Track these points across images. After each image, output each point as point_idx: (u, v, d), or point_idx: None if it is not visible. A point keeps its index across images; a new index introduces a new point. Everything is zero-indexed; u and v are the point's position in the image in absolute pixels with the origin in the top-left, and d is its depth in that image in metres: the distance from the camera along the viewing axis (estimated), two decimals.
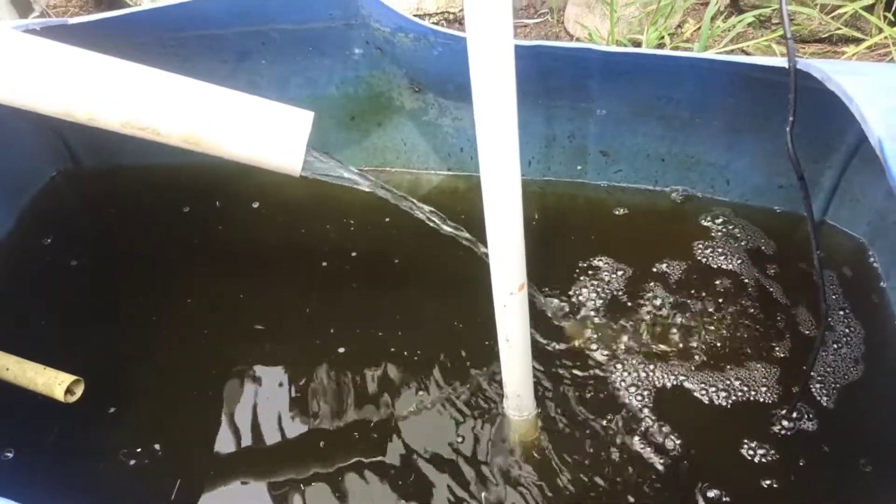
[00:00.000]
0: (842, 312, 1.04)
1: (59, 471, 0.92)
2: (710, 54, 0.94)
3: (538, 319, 1.06)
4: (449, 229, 0.94)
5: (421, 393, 1.00)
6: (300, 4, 1.05)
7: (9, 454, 0.92)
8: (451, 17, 1.84)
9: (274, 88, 1.25)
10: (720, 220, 1.20)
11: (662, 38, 1.51)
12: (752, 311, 1.06)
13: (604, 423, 0.94)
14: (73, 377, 0.90)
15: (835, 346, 1.00)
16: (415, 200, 0.95)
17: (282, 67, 1.22)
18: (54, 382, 0.89)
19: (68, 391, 0.89)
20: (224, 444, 0.95)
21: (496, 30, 0.57)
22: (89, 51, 0.76)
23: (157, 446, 0.93)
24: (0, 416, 0.95)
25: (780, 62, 0.84)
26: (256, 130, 0.77)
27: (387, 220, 1.24)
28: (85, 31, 1.01)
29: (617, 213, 1.24)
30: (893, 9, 1.48)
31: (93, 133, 0.79)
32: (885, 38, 1.41)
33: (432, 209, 0.94)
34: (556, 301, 1.09)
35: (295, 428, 0.97)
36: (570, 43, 1.03)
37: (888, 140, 0.59)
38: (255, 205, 1.29)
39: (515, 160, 0.65)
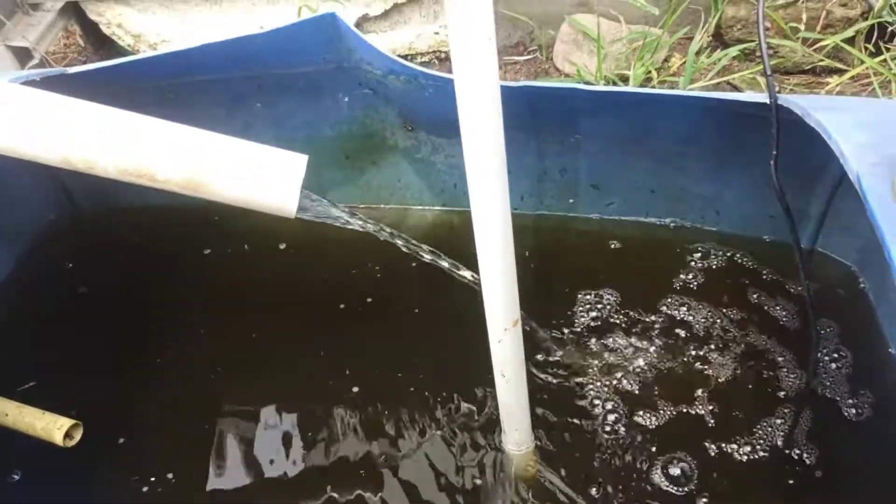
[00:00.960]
0: (835, 340, 1.05)
1: (65, 495, 0.92)
2: (694, 91, 0.97)
3: (534, 353, 1.06)
4: (446, 265, 0.96)
5: (419, 429, 1.00)
6: (293, 50, 1.07)
7: (16, 476, 0.92)
8: (443, 55, 1.87)
9: (269, 129, 1.27)
10: (711, 251, 1.21)
11: (649, 72, 1.54)
12: (744, 341, 1.07)
13: (602, 456, 0.94)
14: (72, 421, 0.90)
15: (828, 373, 1.00)
16: (409, 238, 0.96)
17: (277, 109, 1.24)
18: (53, 427, 0.89)
19: (67, 435, 0.89)
20: (230, 477, 0.96)
21: (482, 75, 0.59)
22: (86, 101, 0.78)
23: (169, 475, 0.94)
24: (8, 438, 0.95)
25: (762, 98, 0.87)
26: (252, 175, 0.78)
27: (379, 257, 1.25)
28: (83, 79, 1.03)
29: (610, 245, 1.25)
30: (874, 40, 1.51)
31: (90, 177, 0.80)
32: (867, 68, 1.44)
33: (432, 248, 0.95)
34: (552, 334, 1.10)
35: (294, 464, 0.97)
36: (556, 83, 1.06)
37: (866, 176, 0.61)
38: (246, 246, 1.30)
39: (505, 200, 0.66)
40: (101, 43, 1.92)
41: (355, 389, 1.06)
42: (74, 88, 0.81)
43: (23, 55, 1.70)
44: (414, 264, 0.99)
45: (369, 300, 1.18)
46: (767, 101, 0.84)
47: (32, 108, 0.77)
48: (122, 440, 1.02)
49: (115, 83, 1.04)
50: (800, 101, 0.79)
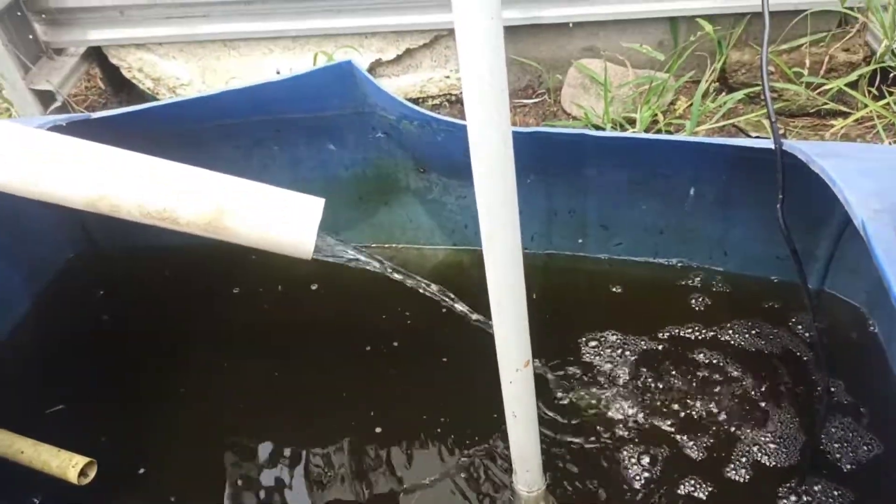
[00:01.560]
0: (844, 382, 1.05)
1: None
2: (699, 137, 0.99)
3: (545, 393, 1.07)
4: (462, 308, 0.97)
5: (429, 468, 1.00)
6: (311, 96, 1.11)
7: (35, 500, 0.93)
8: (453, 98, 1.92)
9: (285, 171, 1.30)
10: (720, 291, 1.22)
11: (656, 115, 1.58)
12: (755, 382, 1.07)
13: (614, 496, 0.94)
14: (87, 459, 0.91)
15: (839, 415, 1.00)
16: (418, 277, 0.98)
17: (293, 152, 1.28)
18: (68, 465, 0.90)
19: (82, 473, 0.90)
20: None
21: (494, 124, 0.61)
22: (110, 146, 0.81)
23: None
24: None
25: (767, 143, 0.89)
26: (270, 218, 0.81)
27: (408, 302, 1.25)
28: (107, 124, 1.07)
29: (619, 285, 1.26)
30: (877, 84, 1.54)
31: (110, 217, 0.83)
32: (871, 112, 1.47)
33: (441, 287, 0.97)
34: (562, 375, 1.11)
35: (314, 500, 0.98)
36: (565, 129, 1.09)
37: (870, 222, 0.62)
38: (261, 288, 1.32)
39: (516, 241, 0.68)
40: (121, 86, 1.98)
41: (378, 430, 1.07)
42: (98, 132, 0.84)
43: (46, 98, 1.76)
44: (444, 309, 1.01)
45: (395, 344, 1.19)
46: (772, 147, 0.86)
47: (59, 154, 0.80)
48: (142, 470, 1.03)
49: (137, 127, 1.08)
50: (804, 147, 0.81)
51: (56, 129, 1.00)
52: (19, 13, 1.71)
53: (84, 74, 1.95)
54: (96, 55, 1.91)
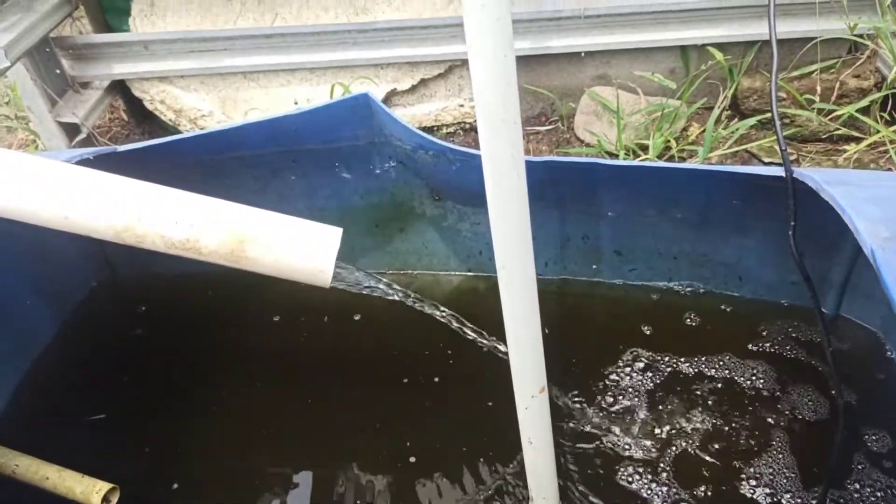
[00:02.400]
0: (860, 406, 1.04)
1: None
2: (710, 165, 1.00)
3: (561, 420, 1.07)
4: (475, 335, 0.99)
5: (447, 497, 1.01)
6: (329, 128, 1.14)
7: None
8: (467, 126, 1.95)
9: (303, 200, 1.33)
10: (735, 317, 1.22)
11: (668, 142, 1.59)
12: (771, 407, 1.07)
13: None
14: (110, 485, 0.93)
15: (856, 441, 1.00)
16: (438, 305, 0.99)
17: (310, 181, 1.30)
18: (91, 491, 0.91)
19: (105, 499, 0.92)
20: None
21: (507, 154, 0.63)
22: (136, 180, 0.84)
23: None
24: None
25: (778, 171, 0.90)
26: (290, 248, 0.83)
27: (448, 338, 1.25)
28: (133, 156, 1.10)
29: (633, 311, 1.27)
30: (889, 109, 1.55)
31: (131, 246, 0.85)
32: (883, 136, 1.47)
33: (456, 315, 0.98)
34: (578, 401, 1.11)
35: None
36: (578, 158, 1.11)
37: (880, 250, 0.63)
38: (282, 316, 1.34)
39: (530, 267, 0.69)
40: (143, 117, 2.04)
41: (412, 460, 1.07)
42: (124, 164, 0.87)
43: (71, 130, 1.81)
44: (482, 346, 1.02)
45: (436, 379, 1.19)
46: (783, 174, 0.87)
47: (88, 188, 0.83)
48: (174, 487, 1.04)
49: (161, 159, 1.12)
50: (814, 175, 0.82)
51: (84, 162, 1.03)
52: (48, 49, 1.77)
53: (108, 106, 2.00)
54: (120, 88, 1.96)
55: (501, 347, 0.99)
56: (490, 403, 1.11)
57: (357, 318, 1.31)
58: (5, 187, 0.80)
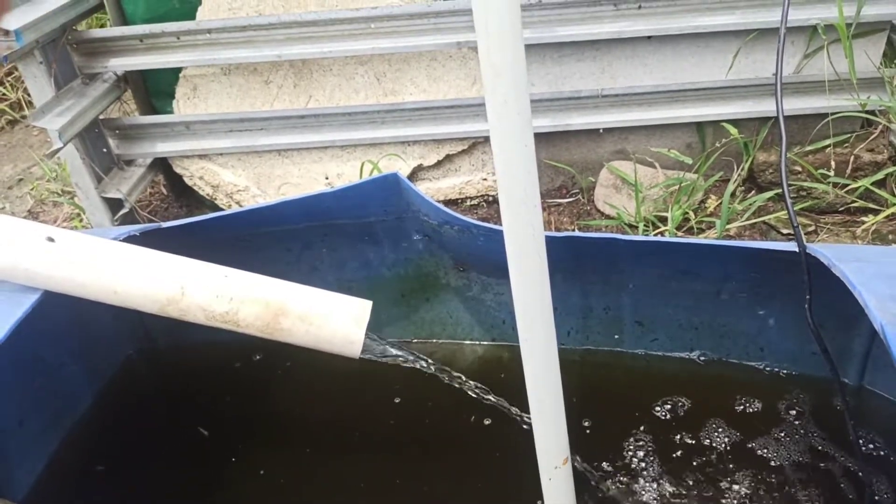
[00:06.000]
0: (884, 480, 1.03)
1: None
2: (727, 241, 1.04)
3: (585, 491, 1.08)
4: (500, 404, 1.01)
5: None
6: (359, 205, 1.20)
7: None
8: (490, 198, 2.01)
9: (333, 271, 1.38)
10: (758, 388, 1.23)
11: (687, 214, 1.63)
12: (792, 479, 1.07)
13: None
14: None
15: None
16: (462, 378, 1.02)
17: (340, 254, 1.36)
18: None
19: None
20: None
21: (529, 233, 0.68)
22: (180, 256, 0.90)
23: None
24: None
25: (791, 246, 0.93)
26: (322, 321, 0.88)
27: (483, 409, 1.28)
28: (175, 232, 1.17)
29: (656, 381, 1.28)
30: None
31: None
32: None
33: (481, 385, 1.01)
34: (602, 473, 1.12)
35: None
36: (597, 234, 1.15)
37: (890, 326, 0.65)
38: (313, 385, 1.37)
39: (552, 338, 0.72)
40: (182, 192, 2.14)
41: None
42: (167, 239, 0.93)
43: (114, 205, 1.91)
44: (506, 415, 1.04)
45: (460, 448, 1.20)
46: (797, 250, 0.90)
47: (135, 265, 0.89)
48: None
49: (201, 234, 1.18)
50: (826, 252, 0.85)
51: (131, 238, 1.10)
52: (97, 130, 1.89)
53: (149, 182, 2.11)
54: (161, 165, 2.07)
55: (525, 417, 1.01)
56: (514, 473, 1.11)
57: (384, 386, 1.33)
58: (63, 265, 0.86)
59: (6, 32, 1.55)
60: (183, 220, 1.18)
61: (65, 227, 2.07)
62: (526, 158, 0.64)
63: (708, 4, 1.67)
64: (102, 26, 2.36)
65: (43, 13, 1.66)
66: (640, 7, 1.68)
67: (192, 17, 1.83)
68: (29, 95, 2.14)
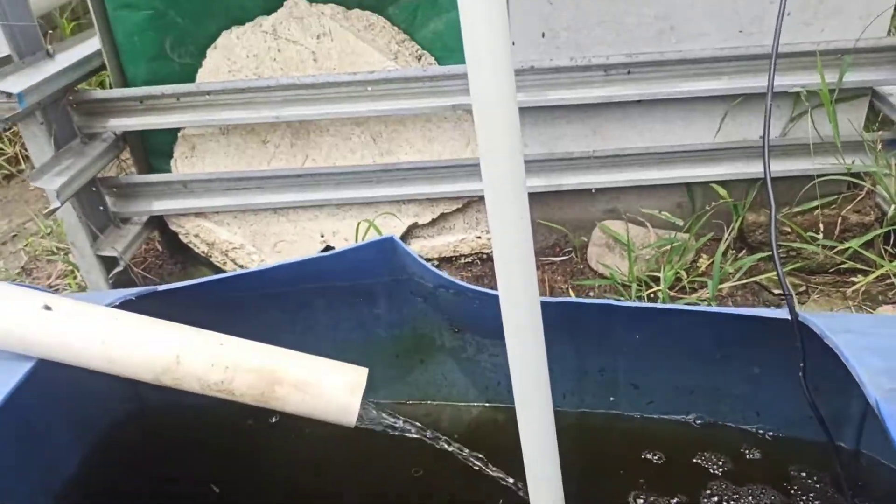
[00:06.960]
0: None
1: None
2: (719, 308, 1.05)
3: None
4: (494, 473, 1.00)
5: None
6: (354, 267, 1.21)
7: None
8: (484, 256, 2.03)
9: (328, 332, 1.38)
10: (754, 451, 1.22)
11: (678, 273, 1.65)
12: None
13: None
14: None
15: None
16: (457, 445, 1.01)
17: (336, 314, 1.36)
18: None
19: None
20: None
21: (524, 299, 0.68)
22: (175, 323, 0.90)
23: None
24: None
25: (784, 314, 0.94)
26: (317, 390, 0.87)
27: (431, 458, 1.28)
28: (172, 295, 1.17)
29: (652, 444, 1.27)
30: (892, 242, 1.61)
31: None
32: (888, 270, 1.52)
33: (474, 453, 1.00)
34: None
35: None
36: (592, 300, 1.16)
37: (884, 402, 0.66)
38: (307, 451, 1.35)
39: (548, 400, 0.72)
40: (177, 249, 2.15)
41: None
42: (163, 303, 0.93)
43: (109, 263, 1.91)
44: (500, 482, 1.02)
45: None
46: (788, 318, 0.91)
47: (130, 333, 0.89)
48: None
49: (198, 297, 1.18)
50: (817, 321, 0.86)
51: (127, 303, 1.10)
52: (94, 188, 1.91)
53: (145, 240, 2.12)
54: (157, 222, 2.09)
55: (521, 485, 1.00)
56: None
57: (375, 451, 1.31)
58: (58, 335, 0.86)
59: (8, 95, 1.58)
60: (179, 284, 1.18)
61: (59, 284, 2.07)
62: (522, 240, 0.65)
63: (695, 70, 1.73)
64: (102, 84, 2.41)
65: (46, 75, 1.69)
66: (629, 72, 1.73)
67: (192, 79, 1.87)
68: (27, 150, 2.16)
